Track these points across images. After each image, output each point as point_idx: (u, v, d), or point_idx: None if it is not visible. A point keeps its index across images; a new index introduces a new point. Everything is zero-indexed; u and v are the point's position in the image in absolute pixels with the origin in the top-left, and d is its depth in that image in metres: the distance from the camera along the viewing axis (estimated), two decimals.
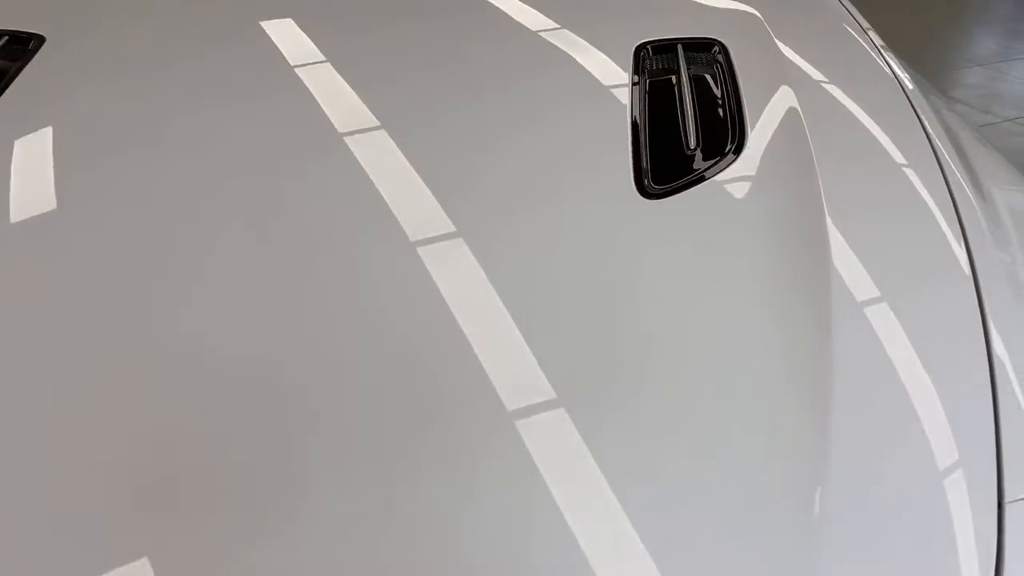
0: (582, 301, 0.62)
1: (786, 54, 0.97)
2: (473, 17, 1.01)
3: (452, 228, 0.65)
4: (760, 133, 0.82)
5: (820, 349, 0.61)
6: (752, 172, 0.77)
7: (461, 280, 0.61)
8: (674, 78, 0.91)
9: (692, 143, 0.81)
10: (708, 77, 0.93)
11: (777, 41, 0.99)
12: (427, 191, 0.69)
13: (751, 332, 0.62)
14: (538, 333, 0.57)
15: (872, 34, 1.11)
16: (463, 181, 0.71)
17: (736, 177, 0.76)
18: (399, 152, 0.73)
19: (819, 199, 0.74)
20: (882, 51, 1.06)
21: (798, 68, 0.96)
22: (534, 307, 0.60)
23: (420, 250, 0.63)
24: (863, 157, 0.84)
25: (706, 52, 0.96)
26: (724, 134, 0.82)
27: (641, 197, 0.72)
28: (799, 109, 0.86)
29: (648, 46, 0.95)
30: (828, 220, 0.72)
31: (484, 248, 0.64)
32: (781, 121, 0.85)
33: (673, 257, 0.68)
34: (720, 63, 0.94)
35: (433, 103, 0.82)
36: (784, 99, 0.88)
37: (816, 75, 0.96)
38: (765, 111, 0.86)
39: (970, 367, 0.64)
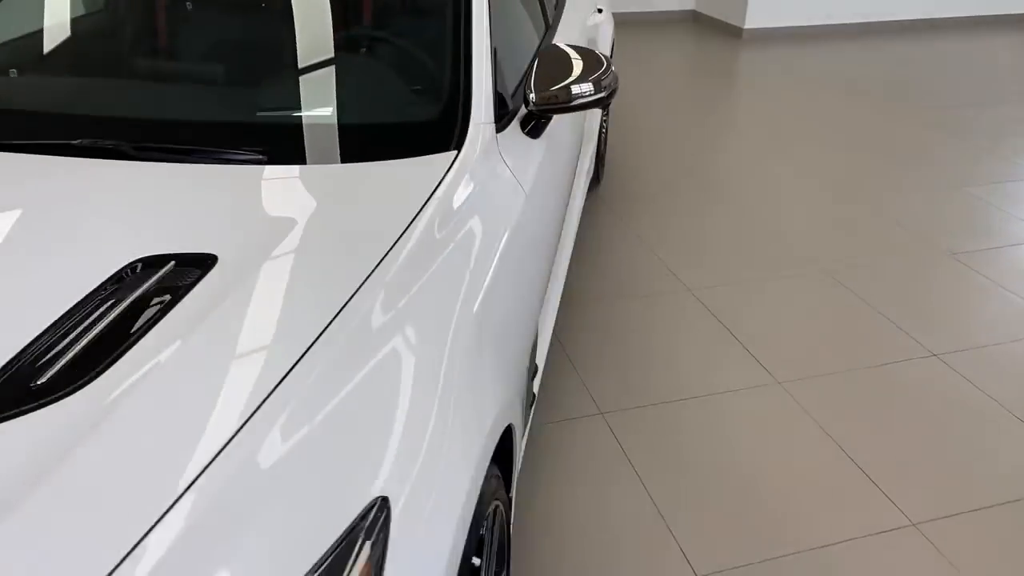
0: None
1: (268, 270, 0.97)
2: None
3: None
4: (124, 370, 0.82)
5: None
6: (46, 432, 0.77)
7: None
8: (114, 301, 0.89)
9: (45, 379, 0.81)
10: (157, 301, 0.90)
11: (274, 254, 0.99)
12: None
13: None
14: None
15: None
16: None
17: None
18: None
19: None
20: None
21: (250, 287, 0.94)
22: None
23: None
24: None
25: (194, 268, 0.95)
26: (87, 369, 0.82)
27: None
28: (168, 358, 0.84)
29: (137, 263, 0.93)
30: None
31: None
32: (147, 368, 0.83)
33: None
34: (187, 285, 0.92)
35: None
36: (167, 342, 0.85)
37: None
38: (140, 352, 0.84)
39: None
